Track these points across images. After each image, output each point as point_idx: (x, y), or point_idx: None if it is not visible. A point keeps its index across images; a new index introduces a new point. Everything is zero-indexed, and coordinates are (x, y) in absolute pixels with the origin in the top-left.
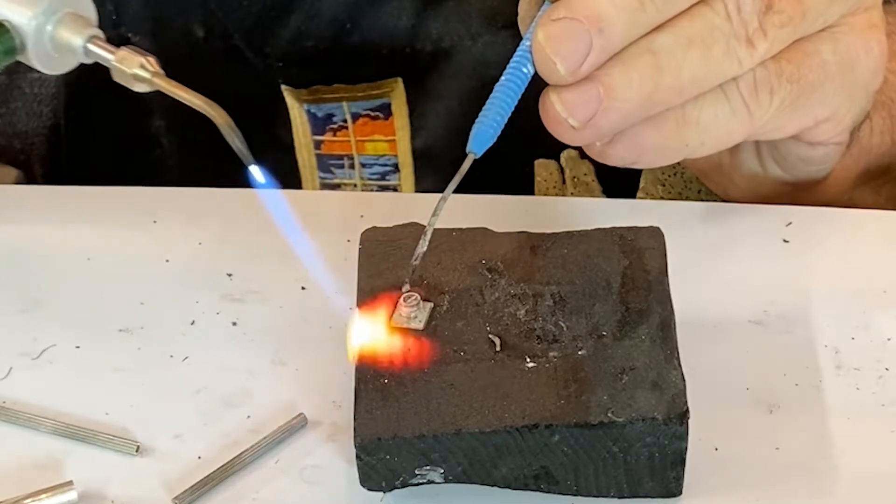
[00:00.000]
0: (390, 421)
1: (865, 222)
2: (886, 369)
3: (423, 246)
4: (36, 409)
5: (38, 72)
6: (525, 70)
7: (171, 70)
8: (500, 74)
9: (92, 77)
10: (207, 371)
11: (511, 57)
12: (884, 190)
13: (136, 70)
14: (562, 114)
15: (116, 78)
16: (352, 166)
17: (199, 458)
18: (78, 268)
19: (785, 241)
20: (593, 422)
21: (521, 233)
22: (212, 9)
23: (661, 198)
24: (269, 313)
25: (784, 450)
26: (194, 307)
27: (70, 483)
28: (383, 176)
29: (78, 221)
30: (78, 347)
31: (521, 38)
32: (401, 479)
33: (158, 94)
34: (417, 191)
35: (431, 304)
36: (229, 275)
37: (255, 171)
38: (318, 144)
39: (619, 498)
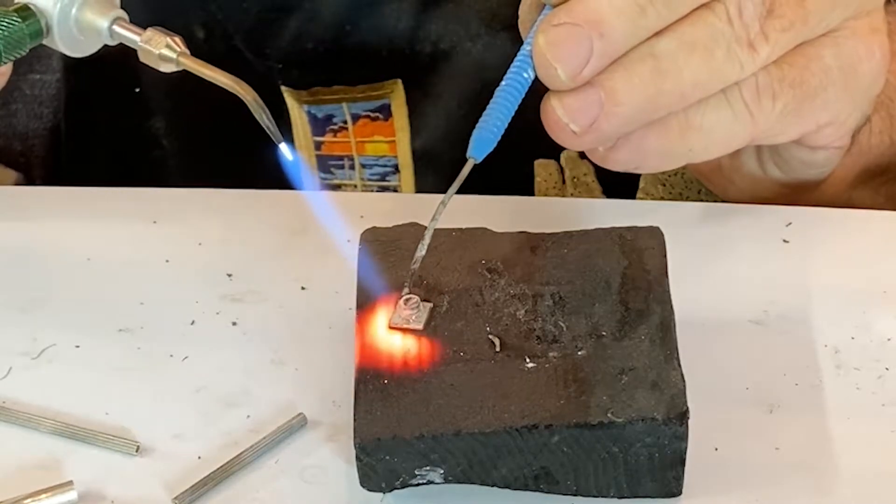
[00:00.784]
0: (390, 421)
1: (865, 222)
2: (886, 369)
3: (421, 250)
4: (36, 409)
5: (39, 73)
6: (525, 75)
7: (171, 75)
8: (500, 76)
9: (91, 78)
10: (207, 371)
11: (511, 60)
12: (883, 190)
13: (162, 50)
14: (563, 119)
15: (143, 58)
16: (352, 167)
17: (199, 457)
18: (78, 268)
19: (785, 241)
20: (593, 422)
21: (521, 233)
22: (212, 10)
23: (661, 198)
24: (269, 313)
25: (784, 450)
26: (194, 307)
27: (70, 483)
28: (383, 177)
29: (78, 221)
30: (78, 347)
31: (520, 40)
32: (401, 479)
33: (158, 95)
34: (417, 192)
35: (431, 305)
36: (229, 275)
37: (285, 149)
38: (318, 145)
39: (618, 498)
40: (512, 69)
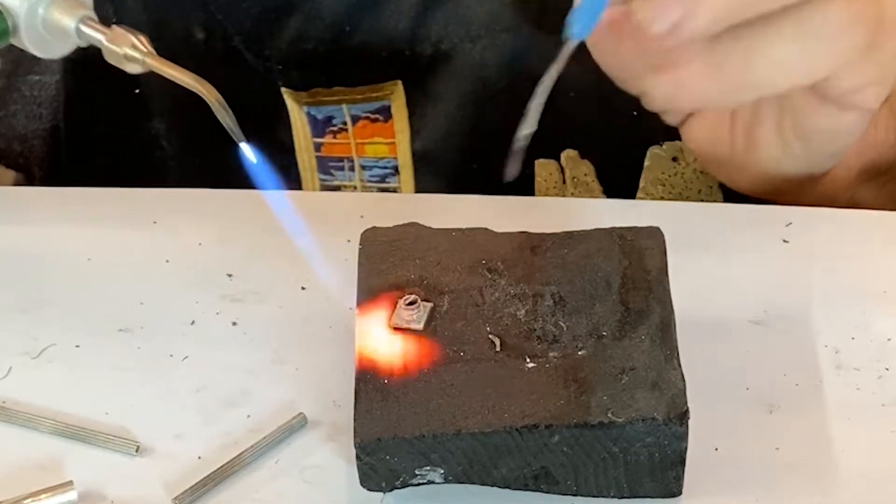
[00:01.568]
0: (390, 421)
1: (865, 222)
2: (886, 369)
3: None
4: (36, 408)
5: (38, 74)
6: None
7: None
8: (500, 77)
9: (91, 79)
10: (207, 371)
11: (510, 61)
12: (887, 188)
13: (127, 50)
14: (647, 17)
15: (108, 58)
16: (352, 168)
17: (199, 457)
18: (78, 268)
19: (785, 241)
20: (593, 422)
21: (521, 233)
22: (212, 11)
23: (661, 198)
24: (269, 313)
25: (784, 450)
26: (194, 307)
27: (70, 483)
28: (383, 178)
29: (78, 222)
30: (78, 347)
31: (520, 42)
32: (401, 479)
33: (157, 96)
34: (417, 193)
35: (431, 305)
36: (229, 275)
37: (246, 149)
38: (318, 147)
39: (619, 498)
40: None
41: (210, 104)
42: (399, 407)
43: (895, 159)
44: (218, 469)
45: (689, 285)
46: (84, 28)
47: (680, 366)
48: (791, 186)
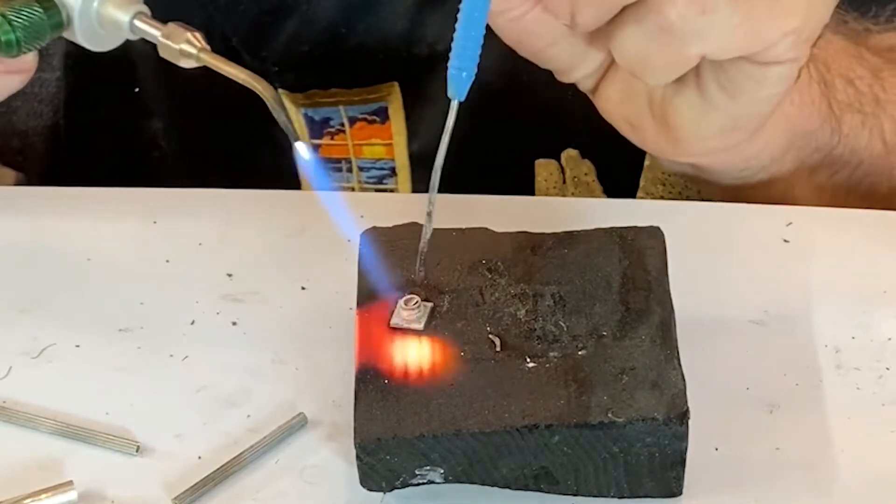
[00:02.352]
0: (390, 421)
1: (865, 222)
2: (886, 369)
3: (426, 233)
4: (36, 408)
5: (40, 71)
6: None
7: (171, 74)
8: (496, 78)
9: (91, 77)
10: (207, 371)
11: (509, 62)
12: (822, 182)
13: (182, 45)
14: None
15: (163, 54)
16: (349, 170)
17: (199, 458)
18: (78, 268)
19: (785, 241)
20: (593, 422)
21: (521, 233)
22: (209, 13)
23: (661, 198)
24: (269, 313)
25: (784, 450)
26: (194, 307)
27: (70, 483)
28: (380, 180)
29: (78, 221)
30: (78, 347)
31: None
32: (401, 479)
33: (157, 95)
34: (414, 192)
35: (431, 305)
36: (229, 275)
37: (301, 148)
38: (315, 148)
39: (619, 498)
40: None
41: (266, 101)
42: (399, 407)
43: (826, 141)
44: (218, 469)
45: (689, 285)
46: (138, 23)
47: (680, 366)
48: (716, 148)
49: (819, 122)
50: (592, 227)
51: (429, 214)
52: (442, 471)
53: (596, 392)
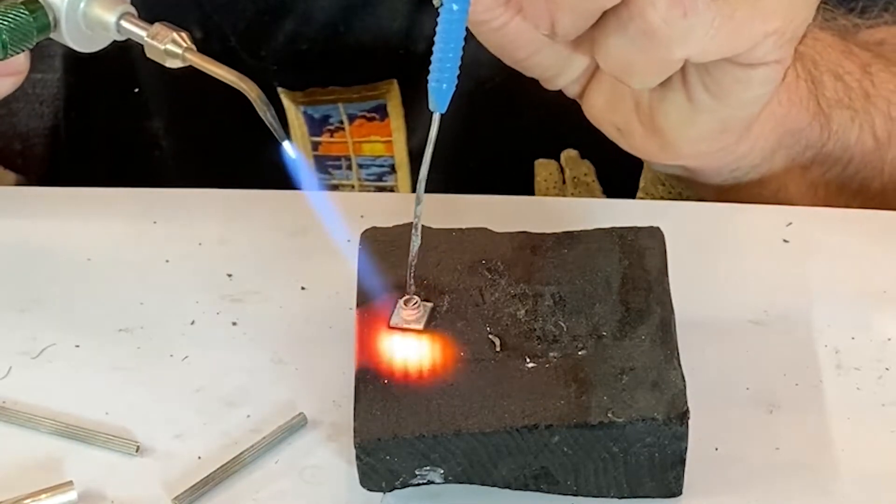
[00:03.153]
0: (390, 421)
1: (865, 222)
2: (886, 369)
3: (415, 243)
4: (36, 408)
5: (41, 72)
6: (455, 6)
7: (171, 74)
8: (494, 74)
9: (91, 78)
10: (207, 371)
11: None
12: (813, 179)
13: (167, 45)
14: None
15: (149, 54)
16: (349, 167)
17: (199, 458)
18: (78, 268)
19: (785, 241)
20: (593, 422)
21: (521, 233)
22: (208, 11)
23: (661, 198)
24: (269, 313)
25: (784, 450)
26: (194, 307)
27: (70, 483)
28: (380, 177)
29: (78, 222)
30: (77, 347)
31: None
32: (401, 479)
33: (157, 95)
34: (414, 191)
35: (431, 305)
36: (229, 275)
37: (288, 147)
38: (315, 146)
39: (619, 498)
40: (441, 13)
41: (252, 101)
42: (399, 407)
43: (816, 139)
44: (218, 469)
45: (689, 285)
46: (125, 23)
47: (680, 366)
48: (705, 151)
49: (808, 120)
50: (592, 227)
51: (415, 227)
52: (442, 471)
53: (596, 392)
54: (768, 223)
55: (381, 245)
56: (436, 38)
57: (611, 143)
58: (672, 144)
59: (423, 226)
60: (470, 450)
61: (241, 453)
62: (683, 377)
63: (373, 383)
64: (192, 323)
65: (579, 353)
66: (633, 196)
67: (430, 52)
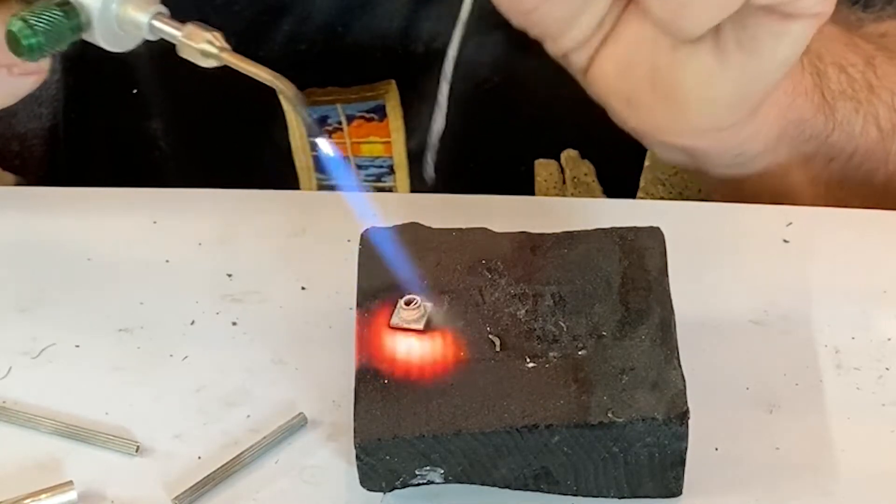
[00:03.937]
0: (390, 421)
1: (865, 222)
2: (886, 369)
3: (437, 123)
4: (36, 408)
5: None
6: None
7: (169, 72)
8: (492, 75)
9: (90, 78)
10: (207, 371)
11: (506, 60)
12: (817, 173)
13: (203, 45)
14: None
15: (183, 54)
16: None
17: (199, 458)
18: (78, 268)
19: (785, 241)
20: (593, 422)
21: (521, 233)
22: (205, 12)
23: (661, 198)
24: (269, 313)
25: (784, 450)
26: (194, 307)
27: (70, 483)
28: (379, 178)
29: (78, 222)
30: (78, 347)
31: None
32: (401, 479)
33: (156, 96)
34: (413, 192)
35: (431, 305)
36: (229, 275)
37: (324, 144)
38: (313, 146)
39: (619, 498)
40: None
41: (289, 100)
42: (399, 407)
43: (820, 130)
44: (218, 469)
45: (689, 285)
46: (157, 24)
47: (680, 366)
48: (716, 123)
49: (812, 111)
50: (592, 227)
51: (438, 104)
52: (442, 471)
53: (596, 392)
54: (768, 223)
55: (381, 245)
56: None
57: (611, 143)
58: (685, 114)
59: (422, 226)
60: (470, 450)
61: (241, 453)
62: (683, 377)
63: (373, 383)
64: (192, 323)
65: (579, 353)
66: (633, 196)
67: (429, 53)
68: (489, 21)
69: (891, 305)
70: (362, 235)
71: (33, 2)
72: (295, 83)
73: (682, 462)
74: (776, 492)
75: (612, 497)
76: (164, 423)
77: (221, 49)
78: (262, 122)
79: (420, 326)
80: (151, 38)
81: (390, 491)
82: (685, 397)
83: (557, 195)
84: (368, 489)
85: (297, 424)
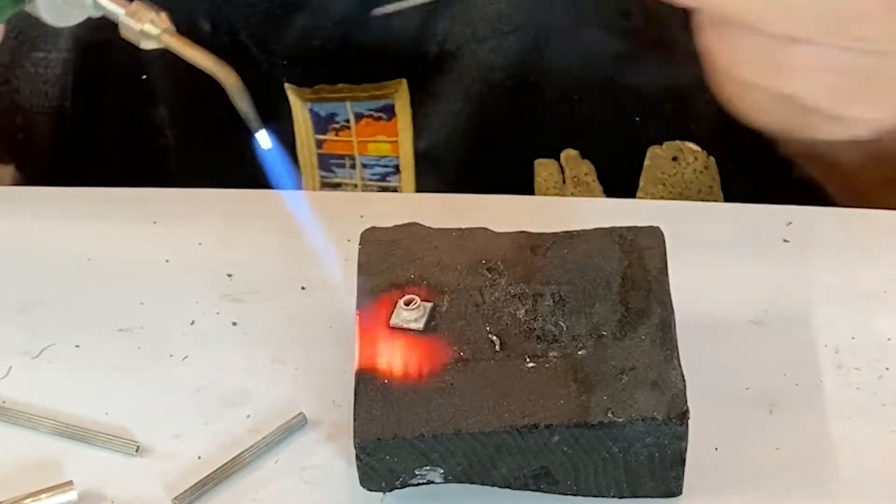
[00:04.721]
0: (390, 421)
1: (865, 222)
2: (886, 369)
3: None
4: (36, 408)
5: (44, 51)
6: None
7: (178, 61)
8: (505, 78)
9: (100, 61)
10: (207, 371)
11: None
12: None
13: (145, 26)
14: None
15: (124, 34)
16: (353, 166)
17: (199, 458)
18: (78, 268)
19: (785, 241)
20: (593, 422)
21: (521, 233)
22: (218, 5)
23: (661, 198)
24: (269, 313)
25: (784, 450)
26: (194, 307)
27: (70, 483)
28: (384, 177)
29: (78, 221)
30: (78, 347)
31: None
32: (401, 479)
33: (164, 84)
34: (417, 192)
35: (431, 305)
36: (229, 275)
37: (262, 137)
38: (319, 144)
39: (619, 498)
40: None
41: (227, 88)
42: (399, 407)
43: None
44: (218, 469)
45: (689, 285)
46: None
47: (680, 366)
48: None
49: None
50: (592, 227)
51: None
52: (442, 471)
53: (596, 392)
54: (768, 223)
55: (381, 245)
56: None
57: (611, 143)
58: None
59: (422, 226)
60: (470, 450)
61: (241, 453)
62: (683, 377)
63: (373, 383)
64: (192, 323)
65: (579, 352)
66: (633, 196)
67: (442, 53)
68: (501, 25)
69: (891, 305)
70: (362, 235)
71: None
72: (305, 78)
73: (682, 462)
74: (776, 492)
75: (612, 497)
76: (164, 423)
77: (163, 31)
78: (267, 118)
79: (420, 326)
80: (95, 14)
81: (390, 491)
82: (685, 397)
83: (557, 195)
84: (368, 489)
85: (297, 424)
